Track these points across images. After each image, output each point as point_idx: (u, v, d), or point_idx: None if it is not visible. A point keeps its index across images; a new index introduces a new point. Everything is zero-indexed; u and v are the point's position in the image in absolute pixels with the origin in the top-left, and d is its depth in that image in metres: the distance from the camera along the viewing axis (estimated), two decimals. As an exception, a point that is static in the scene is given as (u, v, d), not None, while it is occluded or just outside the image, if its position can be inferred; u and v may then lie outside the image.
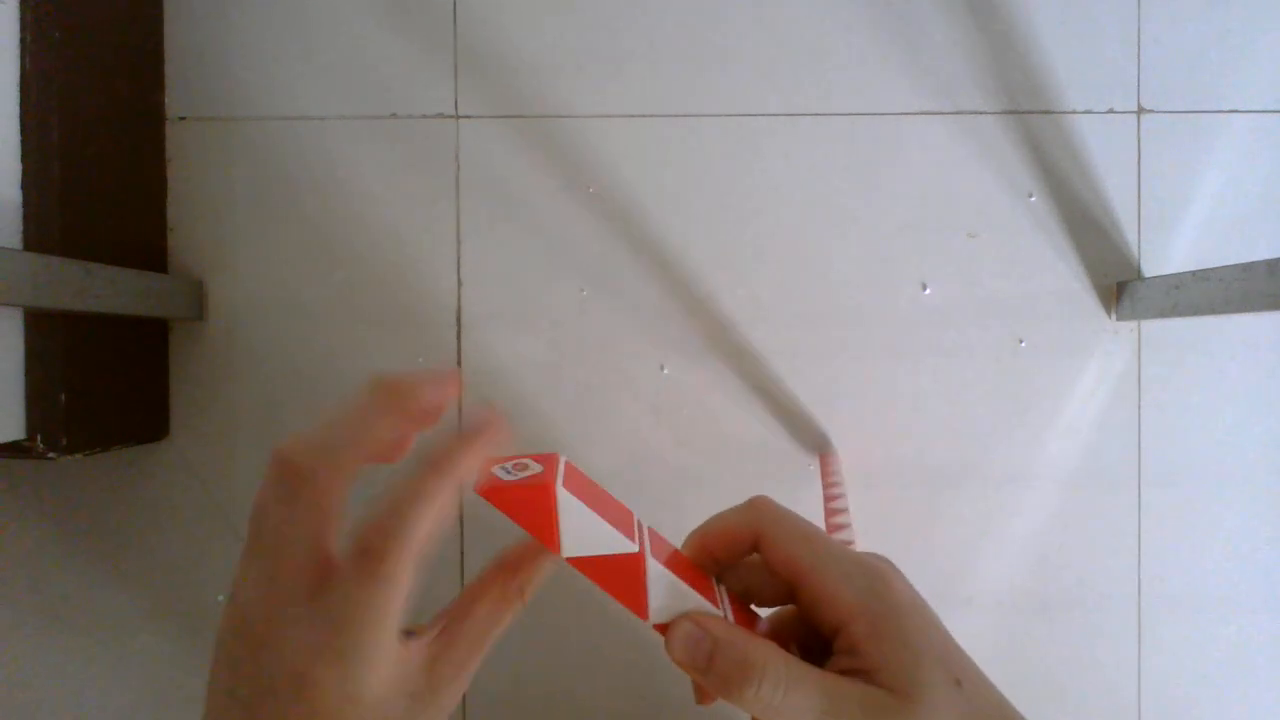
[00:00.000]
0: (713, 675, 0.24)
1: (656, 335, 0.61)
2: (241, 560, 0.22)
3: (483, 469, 0.26)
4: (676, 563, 0.25)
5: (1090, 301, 0.61)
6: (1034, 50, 0.61)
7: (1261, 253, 0.55)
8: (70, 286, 0.48)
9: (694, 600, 0.24)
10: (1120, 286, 0.61)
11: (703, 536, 0.27)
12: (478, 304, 0.61)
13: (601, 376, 0.61)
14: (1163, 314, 0.56)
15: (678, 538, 0.28)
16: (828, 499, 0.52)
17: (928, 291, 0.61)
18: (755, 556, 0.27)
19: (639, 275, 0.61)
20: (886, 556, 0.26)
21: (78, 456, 0.52)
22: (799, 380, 0.61)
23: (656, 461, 0.61)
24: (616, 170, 0.61)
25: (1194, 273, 0.53)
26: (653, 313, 0.61)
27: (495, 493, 0.25)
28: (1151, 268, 0.61)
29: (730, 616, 0.25)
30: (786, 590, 0.26)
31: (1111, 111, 0.61)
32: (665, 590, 0.24)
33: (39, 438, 0.49)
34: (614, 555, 0.24)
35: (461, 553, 0.61)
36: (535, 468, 0.25)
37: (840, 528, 0.47)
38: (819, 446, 0.60)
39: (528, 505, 0.25)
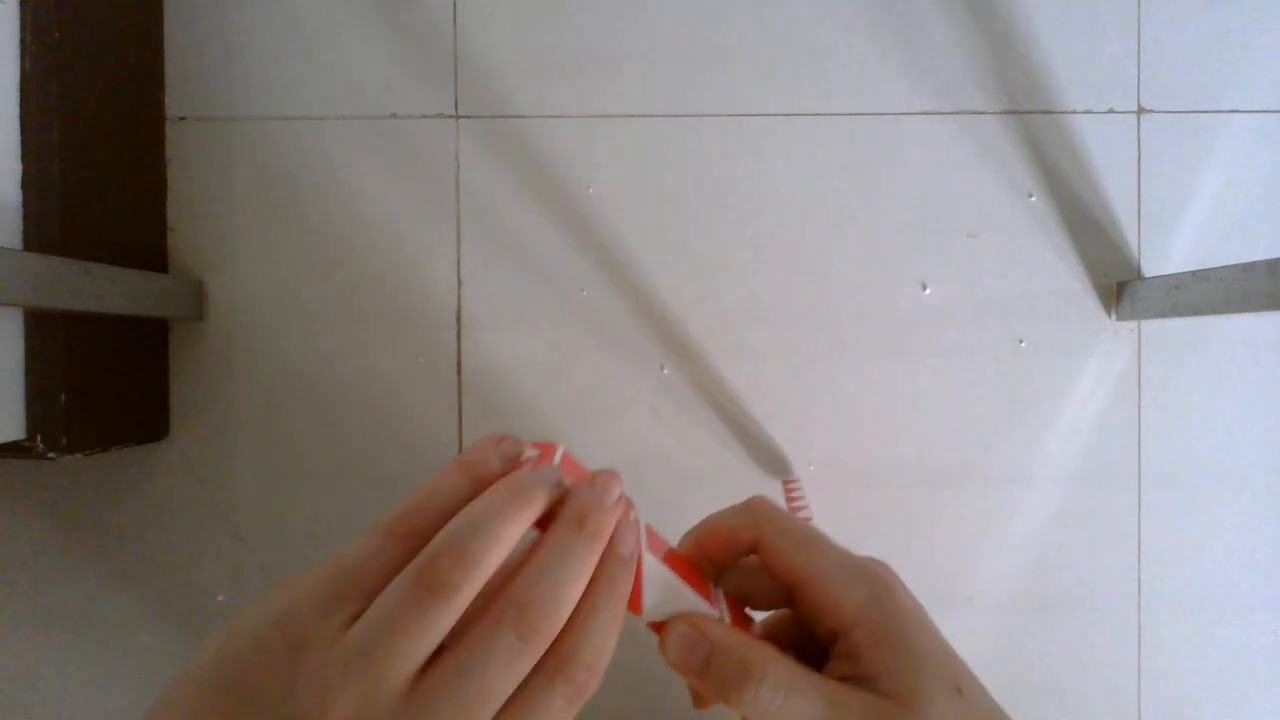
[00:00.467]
0: (709, 678, 0.23)
1: (656, 335, 0.61)
2: None
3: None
4: (673, 561, 0.25)
5: (1090, 301, 0.61)
6: (1034, 50, 0.61)
7: (1261, 253, 0.55)
8: (70, 286, 0.48)
9: (690, 600, 0.24)
10: (1120, 286, 0.61)
11: (700, 536, 0.26)
12: (478, 304, 0.61)
13: (601, 376, 0.61)
14: (1163, 314, 0.56)
15: (677, 538, 0.28)
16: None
17: (928, 291, 0.61)
18: (752, 558, 0.26)
19: (639, 275, 0.61)
20: (885, 561, 0.26)
21: (78, 456, 0.52)
22: (799, 380, 0.61)
23: (656, 461, 0.61)
24: (616, 170, 0.61)
25: (1194, 273, 0.53)
26: (653, 313, 0.61)
27: None
28: (1151, 268, 0.61)
29: (726, 618, 0.25)
30: (783, 594, 0.25)
31: (1111, 111, 0.61)
32: (661, 588, 0.24)
33: (39, 438, 0.49)
34: None
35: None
36: (532, 452, 0.25)
37: None
38: (780, 472, 0.60)
39: None
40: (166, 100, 0.61)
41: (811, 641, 0.25)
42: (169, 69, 0.61)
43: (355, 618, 0.19)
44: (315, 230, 0.61)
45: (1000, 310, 0.61)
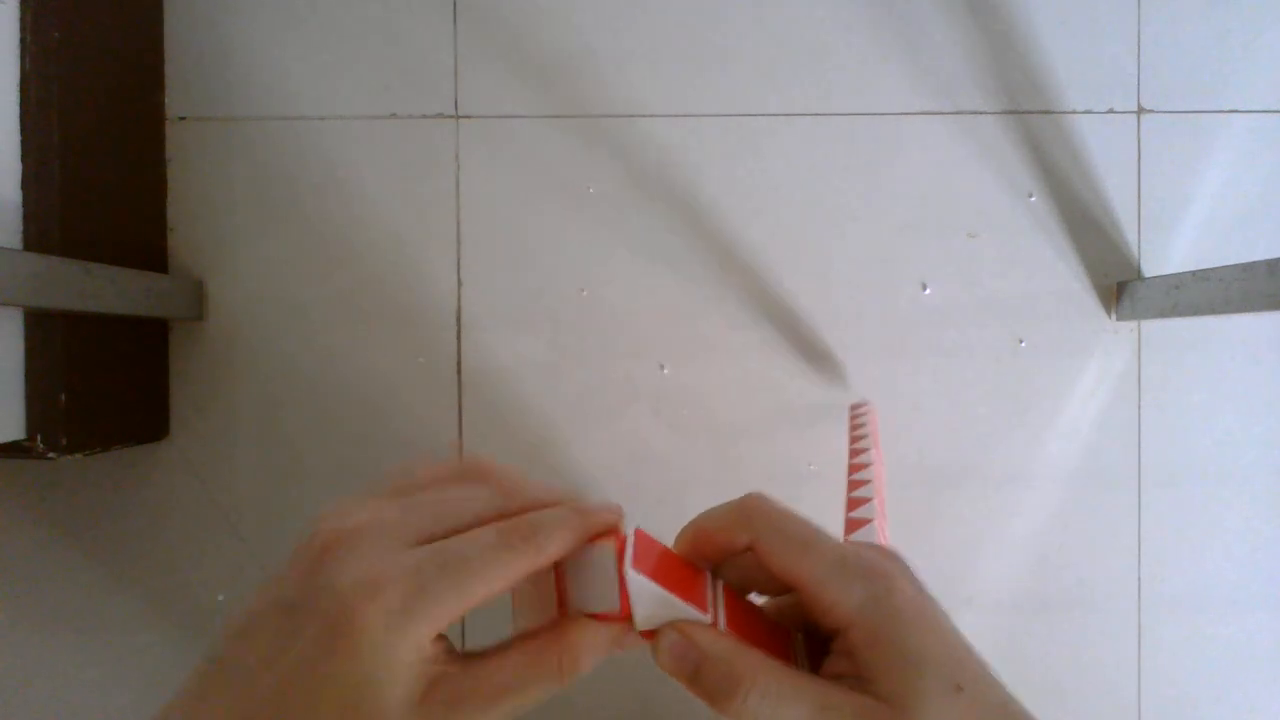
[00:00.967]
0: (699, 686, 0.23)
1: (656, 335, 0.61)
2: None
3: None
4: (666, 562, 0.25)
5: (1090, 301, 0.61)
6: (1034, 50, 0.61)
7: (1261, 253, 0.55)
8: (70, 286, 0.48)
9: (680, 609, 0.24)
10: (1120, 286, 0.61)
11: (695, 535, 0.26)
12: (478, 304, 0.61)
13: (601, 376, 0.61)
14: (1163, 314, 0.56)
15: (675, 538, 0.27)
16: (851, 454, 0.50)
17: (928, 291, 0.61)
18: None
19: (639, 275, 0.61)
20: (893, 550, 0.25)
21: (78, 456, 0.52)
22: (799, 380, 0.61)
23: (656, 461, 0.61)
24: (616, 170, 0.61)
25: (1194, 273, 0.53)
26: (653, 313, 0.61)
27: None
28: (1151, 268, 0.61)
29: (722, 618, 0.24)
30: (786, 586, 0.25)
31: (1111, 111, 0.61)
32: (650, 600, 0.24)
33: (39, 438, 0.49)
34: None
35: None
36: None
37: (858, 484, 0.45)
38: (852, 397, 0.60)
39: None
40: (166, 100, 0.61)
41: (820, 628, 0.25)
42: (169, 69, 0.61)
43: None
44: (315, 230, 0.61)
45: (1000, 310, 0.61)
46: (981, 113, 0.61)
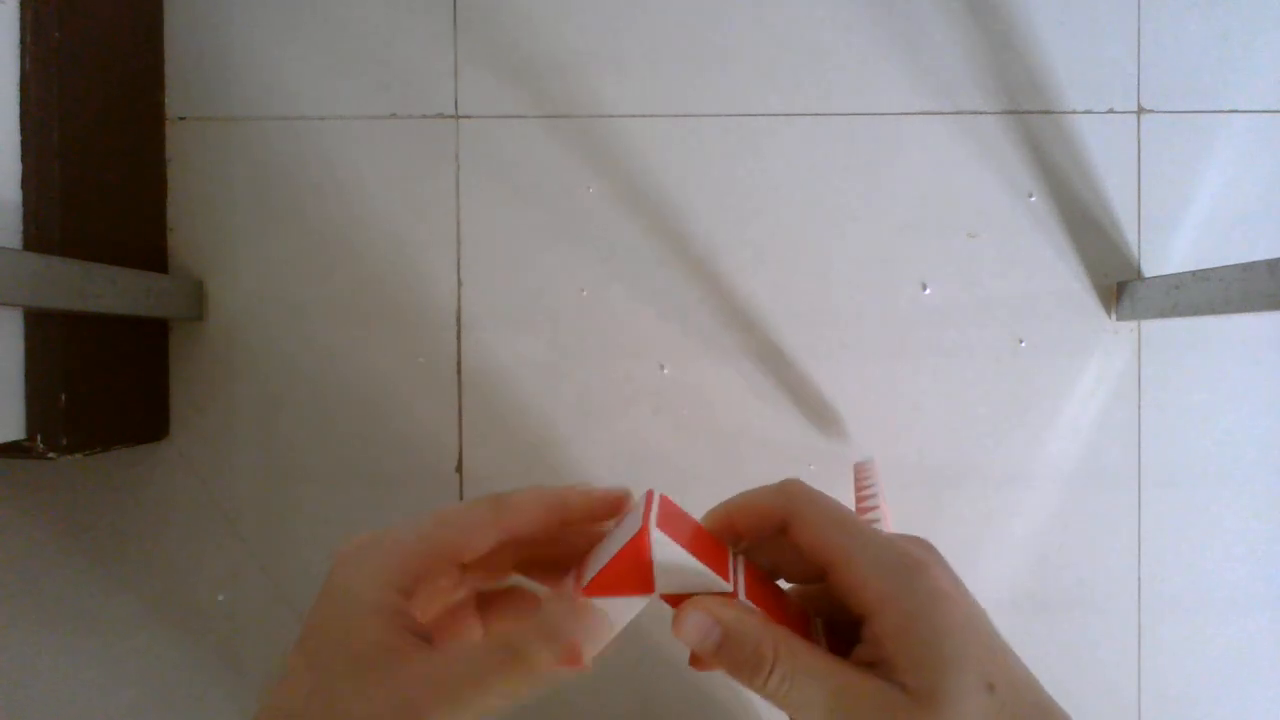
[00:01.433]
0: (721, 662, 0.23)
1: (656, 335, 0.61)
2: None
3: None
4: (689, 529, 0.25)
5: (1090, 301, 0.61)
6: (1034, 50, 0.61)
7: (1261, 253, 0.55)
8: (70, 286, 0.48)
9: (703, 575, 0.24)
10: (1120, 286, 0.61)
11: (729, 512, 0.26)
12: (478, 304, 0.61)
13: (601, 376, 0.61)
14: (1163, 314, 0.56)
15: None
16: (860, 511, 0.51)
17: (928, 291, 0.61)
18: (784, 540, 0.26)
19: (639, 275, 0.61)
20: (930, 542, 0.25)
21: (78, 456, 0.52)
22: (798, 380, 0.61)
23: (656, 461, 0.61)
24: (616, 170, 0.61)
25: (1194, 273, 0.53)
26: (653, 313, 0.61)
27: None
28: (1151, 268, 0.61)
29: (743, 591, 0.24)
30: (816, 570, 0.25)
31: (1111, 111, 0.61)
32: (673, 564, 0.24)
33: (39, 438, 0.49)
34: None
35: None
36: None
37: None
38: (855, 456, 0.60)
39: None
40: (166, 100, 0.61)
41: (846, 614, 0.24)
42: (169, 69, 0.61)
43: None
44: (315, 230, 0.61)
45: (1000, 310, 0.61)
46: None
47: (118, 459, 0.60)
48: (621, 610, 0.24)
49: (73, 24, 0.52)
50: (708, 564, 0.24)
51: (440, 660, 0.22)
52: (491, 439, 0.61)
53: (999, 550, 0.61)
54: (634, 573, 0.24)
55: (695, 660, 0.25)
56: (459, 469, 0.61)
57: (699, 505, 0.27)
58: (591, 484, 0.27)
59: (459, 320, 0.61)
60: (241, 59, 0.61)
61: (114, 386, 0.55)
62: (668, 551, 0.23)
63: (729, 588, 0.24)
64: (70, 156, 0.51)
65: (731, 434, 0.61)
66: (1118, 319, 0.61)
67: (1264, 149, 0.61)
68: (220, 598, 0.61)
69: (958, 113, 0.61)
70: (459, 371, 0.61)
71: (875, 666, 0.22)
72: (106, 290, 0.51)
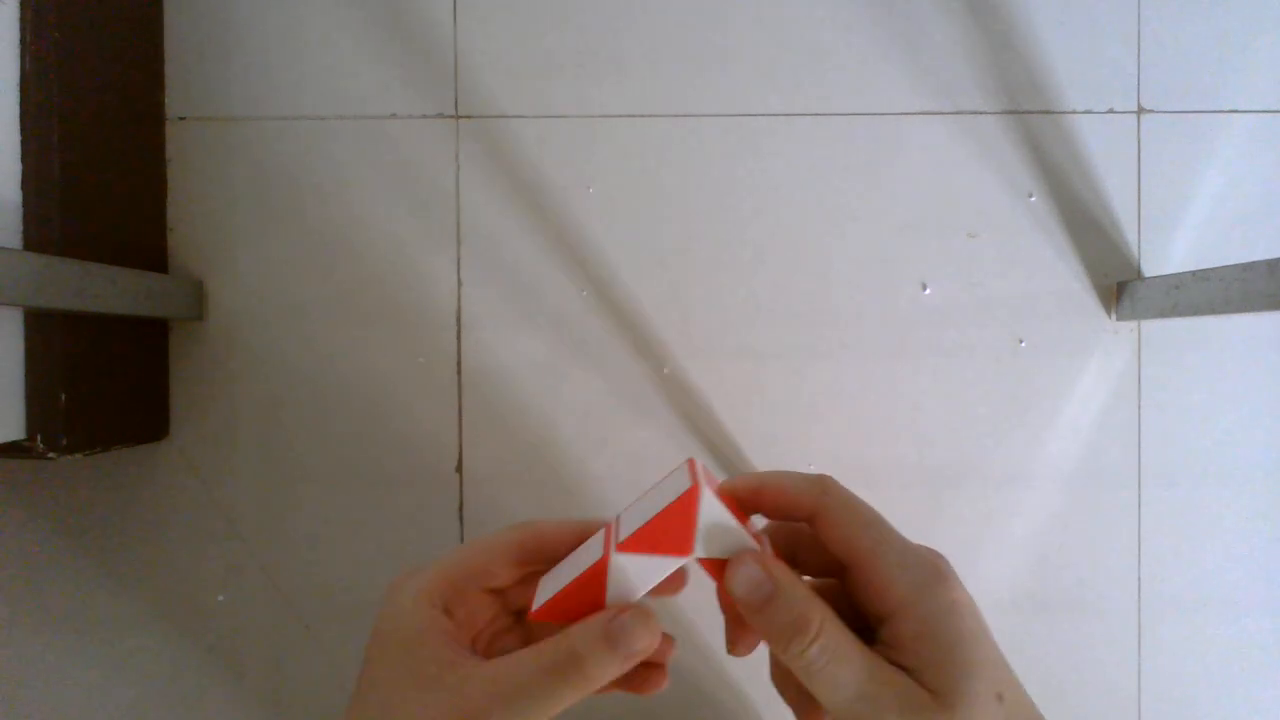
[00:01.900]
0: (763, 620, 0.23)
1: (656, 335, 0.61)
2: None
3: None
4: (728, 502, 0.25)
5: (1090, 301, 0.61)
6: (1034, 50, 0.61)
7: (1261, 253, 0.55)
8: (70, 286, 0.48)
9: (743, 539, 0.24)
10: (1120, 286, 0.61)
11: (760, 486, 0.26)
12: (478, 304, 0.61)
13: (602, 377, 0.61)
14: (1163, 314, 0.56)
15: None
16: None
17: (928, 291, 0.61)
18: (803, 525, 0.26)
19: (639, 275, 0.61)
20: (943, 555, 0.25)
21: (78, 456, 0.52)
22: (799, 380, 0.61)
23: (657, 462, 0.61)
24: (616, 170, 0.61)
25: (1194, 273, 0.53)
26: (653, 313, 0.61)
27: None
28: (1151, 268, 0.61)
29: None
30: (833, 566, 0.25)
31: (1111, 111, 0.61)
32: (717, 527, 0.24)
33: (39, 438, 0.49)
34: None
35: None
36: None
37: None
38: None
39: None
40: (166, 100, 0.61)
41: (857, 617, 0.25)
42: (169, 69, 0.61)
43: None
44: (315, 230, 0.61)
45: (1000, 310, 0.61)
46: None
47: (118, 459, 0.60)
48: (650, 572, 0.24)
49: (73, 24, 0.52)
50: (746, 530, 0.24)
51: (499, 668, 0.23)
52: (491, 439, 0.61)
53: (999, 550, 0.61)
54: (677, 531, 0.24)
55: (734, 643, 0.26)
56: (459, 469, 0.61)
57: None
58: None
59: (459, 320, 0.61)
60: (241, 59, 0.61)
61: (114, 386, 0.55)
62: (715, 513, 0.24)
63: (766, 550, 0.25)
64: (70, 156, 0.51)
65: (732, 435, 0.61)
66: (1118, 319, 0.61)
67: (1264, 149, 0.61)
68: (220, 598, 0.61)
69: (958, 113, 0.61)
70: (459, 371, 0.61)
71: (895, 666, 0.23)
72: (106, 290, 0.51)
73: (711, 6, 0.61)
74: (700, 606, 0.59)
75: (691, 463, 0.25)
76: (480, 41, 0.61)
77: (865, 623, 0.25)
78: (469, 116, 0.61)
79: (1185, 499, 0.61)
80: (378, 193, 0.61)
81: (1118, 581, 0.61)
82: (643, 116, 0.61)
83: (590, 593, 0.24)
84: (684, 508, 0.24)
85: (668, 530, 0.24)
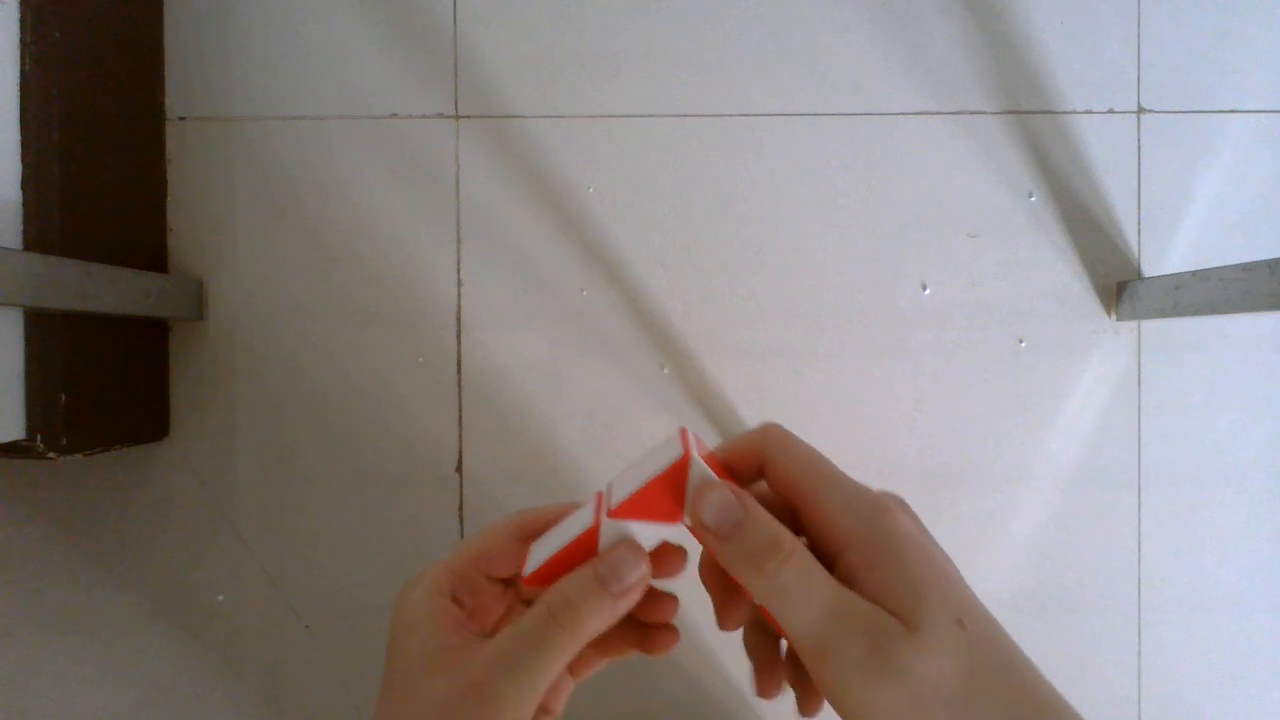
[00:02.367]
0: (736, 544, 0.23)
1: (657, 335, 0.61)
2: None
3: None
4: (720, 471, 0.25)
5: (1090, 301, 0.61)
6: (1034, 50, 0.61)
7: (1261, 253, 0.55)
8: (70, 286, 0.48)
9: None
10: (1120, 286, 0.61)
11: (728, 449, 0.27)
12: (478, 304, 0.61)
13: (602, 376, 0.61)
14: (1163, 314, 0.56)
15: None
16: None
17: (928, 291, 0.61)
18: (763, 484, 0.26)
19: (639, 275, 0.61)
20: (900, 496, 0.26)
21: (78, 456, 0.52)
22: (799, 380, 0.61)
23: (656, 461, 0.61)
24: (616, 170, 0.61)
25: (1194, 273, 0.53)
26: (653, 313, 0.61)
27: None
28: (1151, 268, 0.61)
29: None
30: (791, 519, 0.25)
31: (1111, 111, 0.61)
32: (700, 481, 0.24)
33: (39, 438, 0.49)
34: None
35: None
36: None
37: None
38: None
39: None
40: (166, 100, 0.61)
41: (815, 553, 0.25)
42: (169, 69, 0.61)
43: None
44: (315, 230, 0.61)
45: (1000, 310, 0.61)
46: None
47: (118, 459, 0.60)
48: (641, 539, 0.25)
49: (73, 24, 0.52)
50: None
51: (499, 637, 0.24)
52: (491, 439, 0.61)
53: (999, 550, 0.61)
54: (668, 498, 0.24)
55: (722, 601, 0.26)
56: (459, 469, 0.61)
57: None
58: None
59: (459, 320, 0.61)
60: (241, 59, 0.61)
61: (114, 386, 0.55)
62: (706, 480, 0.24)
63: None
64: (70, 156, 0.51)
65: (731, 434, 0.61)
66: (1118, 319, 0.61)
67: (1264, 149, 0.61)
68: (220, 598, 0.61)
69: (958, 113, 0.61)
70: (459, 371, 0.61)
71: None
72: (106, 290, 0.51)
73: (711, 7, 0.61)
74: (700, 606, 0.59)
75: (683, 432, 0.26)
76: (480, 41, 0.61)
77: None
78: (469, 116, 0.61)
79: (1185, 499, 0.61)
80: (378, 193, 0.61)
81: (1118, 581, 0.61)
82: (643, 116, 0.61)
83: (582, 559, 0.24)
84: (675, 475, 0.24)
85: (659, 497, 0.24)
